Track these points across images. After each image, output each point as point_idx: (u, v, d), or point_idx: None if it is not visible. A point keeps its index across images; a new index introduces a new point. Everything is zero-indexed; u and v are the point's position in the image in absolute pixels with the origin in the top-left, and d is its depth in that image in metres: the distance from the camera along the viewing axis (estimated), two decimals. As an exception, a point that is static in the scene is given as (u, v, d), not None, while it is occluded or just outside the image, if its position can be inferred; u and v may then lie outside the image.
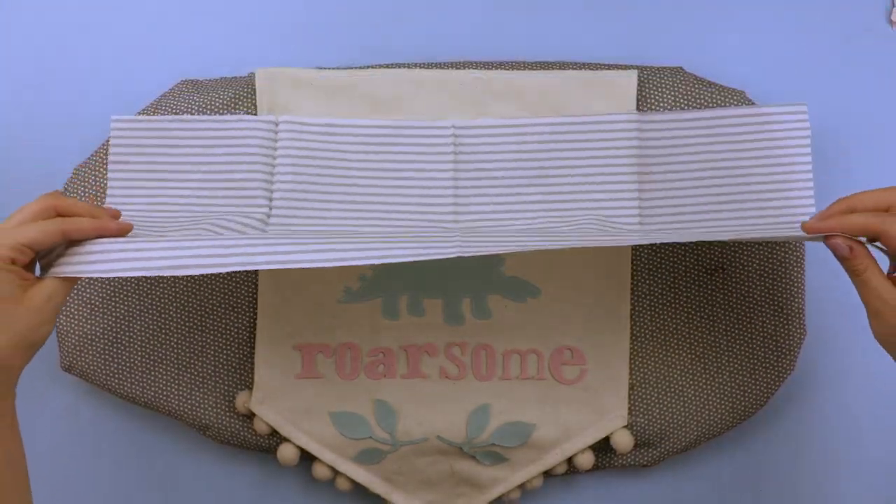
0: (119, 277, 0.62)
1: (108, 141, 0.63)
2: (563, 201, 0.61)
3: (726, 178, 0.62)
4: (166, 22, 0.67)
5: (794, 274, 0.62)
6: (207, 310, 0.63)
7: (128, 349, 0.63)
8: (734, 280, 0.63)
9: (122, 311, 0.63)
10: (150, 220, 0.62)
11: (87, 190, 0.64)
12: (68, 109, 0.67)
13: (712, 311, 0.63)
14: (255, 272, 0.63)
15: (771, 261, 0.62)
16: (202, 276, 0.62)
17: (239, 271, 0.63)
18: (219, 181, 0.62)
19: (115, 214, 0.54)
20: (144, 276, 0.62)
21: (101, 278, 0.62)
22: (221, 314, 0.64)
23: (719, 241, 0.62)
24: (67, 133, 0.66)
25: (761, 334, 0.63)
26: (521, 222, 0.62)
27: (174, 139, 0.63)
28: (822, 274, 0.65)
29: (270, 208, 0.62)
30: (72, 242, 0.49)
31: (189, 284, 0.63)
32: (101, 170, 0.63)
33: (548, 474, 0.63)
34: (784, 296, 0.62)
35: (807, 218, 0.55)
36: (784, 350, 0.62)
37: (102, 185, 0.63)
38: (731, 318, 0.63)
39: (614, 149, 0.62)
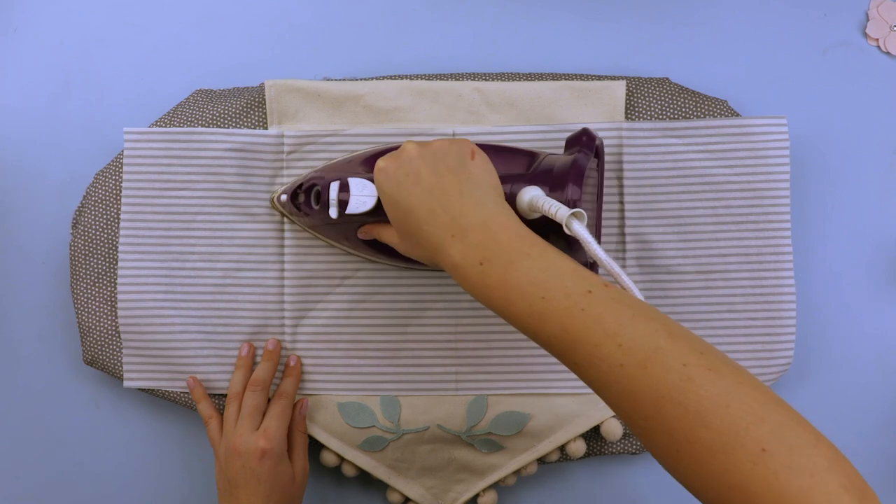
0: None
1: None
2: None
3: (707, 184, 0.63)
4: (183, 34, 0.69)
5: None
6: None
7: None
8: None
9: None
10: (163, 229, 0.64)
11: (107, 193, 0.65)
12: (90, 117, 0.68)
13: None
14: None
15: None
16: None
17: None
18: (230, 191, 0.64)
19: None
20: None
21: (120, 278, 0.65)
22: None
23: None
24: (90, 139, 0.68)
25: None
26: None
27: (185, 150, 0.64)
28: (817, 275, 0.66)
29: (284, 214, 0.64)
30: None
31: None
32: (120, 175, 0.65)
33: (542, 461, 0.65)
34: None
35: (786, 231, 0.62)
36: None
37: (121, 189, 0.65)
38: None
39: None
